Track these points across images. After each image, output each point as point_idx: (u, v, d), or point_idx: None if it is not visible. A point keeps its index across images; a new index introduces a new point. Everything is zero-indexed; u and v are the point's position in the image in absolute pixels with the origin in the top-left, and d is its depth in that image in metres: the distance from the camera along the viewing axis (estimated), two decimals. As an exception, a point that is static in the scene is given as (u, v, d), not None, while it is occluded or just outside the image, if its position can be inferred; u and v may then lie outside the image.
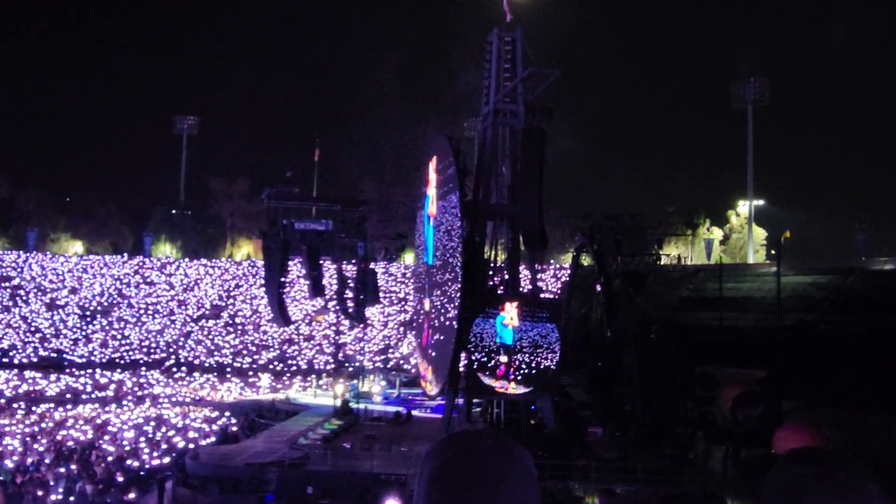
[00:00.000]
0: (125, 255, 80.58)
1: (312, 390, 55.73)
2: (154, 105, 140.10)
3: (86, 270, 76.30)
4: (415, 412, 43.57)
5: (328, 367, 63.00)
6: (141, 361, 64.46)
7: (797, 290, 48.39)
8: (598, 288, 39.94)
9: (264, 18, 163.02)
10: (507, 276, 38.69)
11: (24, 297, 71.50)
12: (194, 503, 28.83)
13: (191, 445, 37.01)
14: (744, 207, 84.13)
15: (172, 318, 71.16)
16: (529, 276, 40.21)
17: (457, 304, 33.10)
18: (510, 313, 33.62)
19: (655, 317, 38.98)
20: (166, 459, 34.28)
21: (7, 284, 72.68)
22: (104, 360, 64.01)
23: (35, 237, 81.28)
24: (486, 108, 38.63)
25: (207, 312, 72.68)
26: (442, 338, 35.44)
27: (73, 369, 61.50)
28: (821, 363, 37.43)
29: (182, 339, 68.29)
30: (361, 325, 60.47)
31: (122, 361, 64.25)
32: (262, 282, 56.15)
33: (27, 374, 59.47)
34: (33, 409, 49.57)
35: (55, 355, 64.30)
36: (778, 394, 33.23)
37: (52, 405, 51.41)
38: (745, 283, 54.24)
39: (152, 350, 66.38)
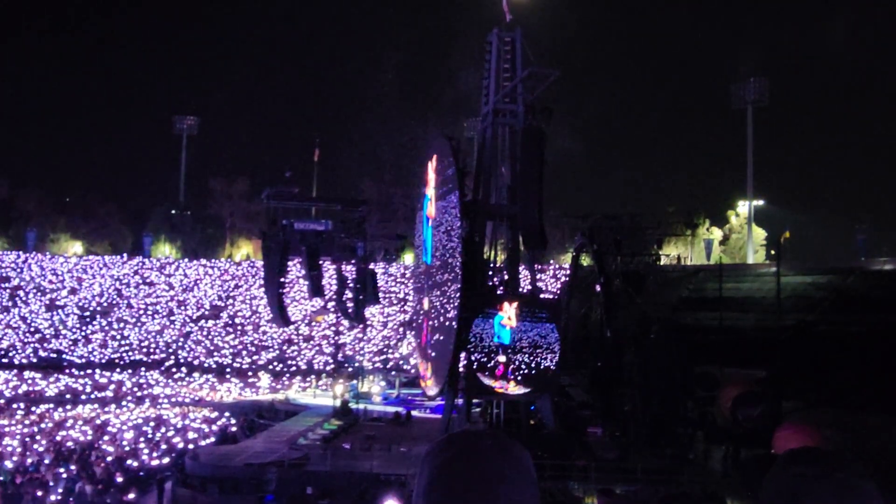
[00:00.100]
0: (125, 255, 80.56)
1: (312, 391, 55.74)
2: (154, 105, 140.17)
3: (85, 271, 76.29)
4: (414, 412, 43.58)
5: (328, 368, 62.98)
6: (140, 362, 64.44)
7: (797, 291, 48.39)
8: (598, 288, 39.93)
9: (264, 18, 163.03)
10: (506, 277, 38.67)
11: (24, 298, 71.49)
12: (194, 503, 28.82)
13: (190, 446, 37.01)
14: (743, 207, 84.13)
15: (172, 318, 71.16)
16: (529, 277, 40.20)
17: (456, 304, 33.08)
18: (508, 313, 33.62)
19: (655, 317, 38.96)
20: (166, 460, 34.28)
21: (6, 285, 72.68)
22: (104, 361, 64.00)
23: (34, 237, 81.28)
24: (486, 109, 38.63)
25: (207, 313, 72.68)
26: (441, 338, 35.44)
27: (73, 370, 61.47)
28: (821, 363, 37.44)
29: (181, 339, 68.28)
30: (361, 326, 60.50)
31: (122, 362, 64.23)
32: (262, 282, 56.13)
33: (27, 374, 59.45)
34: (33, 409, 49.58)
35: (55, 356, 64.28)
36: (778, 394, 33.24)
37: (51, 406, 51.42)
38: (745, 284, 54.24)
39: (152, 350, 66.37)
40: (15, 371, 60.24)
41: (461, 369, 34.72)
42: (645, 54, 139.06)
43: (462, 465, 1.71)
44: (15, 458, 33.86)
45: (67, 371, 60.93)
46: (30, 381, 57.82)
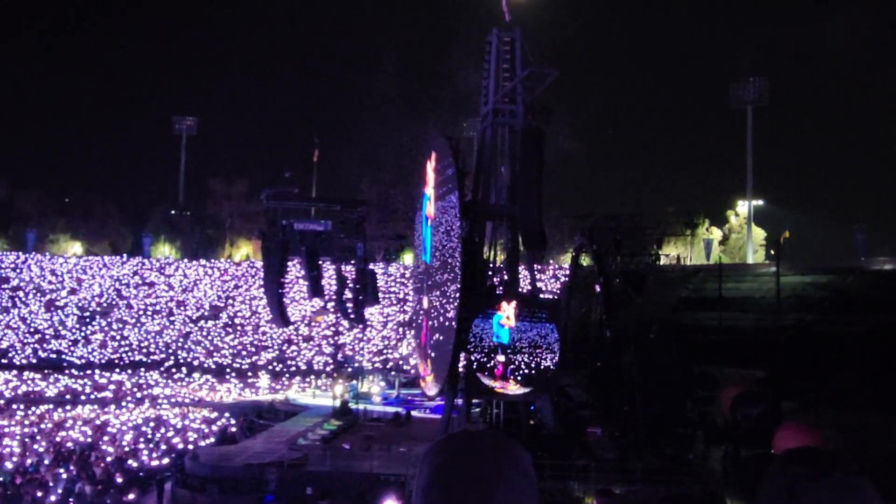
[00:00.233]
0: (124, 255, 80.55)
1: (311, 391, 55.74)
2: (153, 105, 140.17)
3: (85, 271, 76.27)
4: (414, 413, 43.58)
5: (327, 368, 62.98)
6: (140, 362, 64.43)
7: (796, 290, 48.39)
8: (598, 288, 39.92)
9: (263, 19, 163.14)
10: (506, 277, 38.68)
11: (23, 298, 71.47)
12: (193, 503, 28.85)
13: (190, 446, 37.01)
14: (743, 207, 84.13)
15: (171, 318, 71.16)
16: (528, 277, 40.22)
17: (456, 304, 33.10)
18: (507, 312, 33.62)
19: (655, 317, 38.98)
20: (165, 460, 34.28)
21: (6, 285, 72.65)
22: (103, 361, 63.99)
23: (34, 238, 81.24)
24: (486, 109, 38.64)
25: (206, 313, 72.67)
26: (441, 338, 35.44)
27: (73, 370, 61.46)
28: (820, 363, 37.45)
29: (181, 339, 68.27)
30: (360, 326, 60.46)
31: (122, 362, 64.22)
32: (262, 282, 56.13)
33: (26, 375, 59.45)
34: (32, 410, 49.54)
35: (54, 356, 64.26)
36: (777, 394, 33.23)
37: (51, 406, 51.40)
38: (745, 284, 54.23)
39: (151, 351, 66.37)
40: (14, 371, 60.24)
41: (461, 369, 34.73)
42: (645, 54, 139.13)
43: (461, 465, 1.71)
44: (15, 459, 33.83)
45: (67, 372, 60.92)
46: (29, 382, 57.82)
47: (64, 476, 30.08)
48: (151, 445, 37.68)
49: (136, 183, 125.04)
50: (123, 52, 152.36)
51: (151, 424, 43.92)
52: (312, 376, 61.32)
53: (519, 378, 33.48)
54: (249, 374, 62.97)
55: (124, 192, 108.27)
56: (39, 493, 27.52)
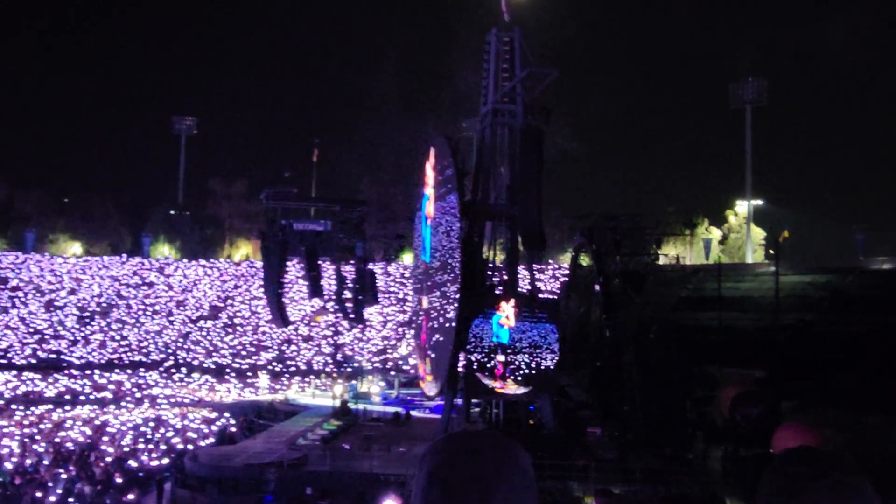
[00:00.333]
0: (124, 255, 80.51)
1: (311, 391, 55.73)
2: (153, 105, 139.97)
3: (84, 271, 76.23)
4: (414, 412, 43.60)
5: (327, 368, 62.97)
6: (140, 362, 64.41)
7: (796, 290, 48.36)
8: (597, 288, 39.94)
9: (263, 19, 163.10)
10: (505, 277, 38.69)
11: (23, 299, 71.44)
12: (193, 504, 28.84)
13: (190, 446, 37.01)
14: (742, 207, 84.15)
15: (171, 319, 71.14)
16: (528, 277, 40.22)
17: (456, 304, 33.10)
18: (506, 312, 33.62)
19: (654, 317, 38.97)
20: (165, 460, 34.28)
21: (5, 286, 72.61)
22: (103, 362, 63.95)
23: (33, 238, 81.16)
24: (485, 108, 38.64)
25: (206, 313, 72.64)
26: (441, 339, 35.43)
27: (72, 370, 61.43)
28: (819, 363, 37.45)
29: (181, 340, 68.26)
30: (360, 326, 60.48)
31: (121, 362, 64.20)
32: (261, 282, 56.12)
33: (25, 375, 59.42)
34: (32, 410, 49.53)
35: (54, 356, 64.22)
36: (777, 394, 33.27)
37: (50, 406, 51.40)
38: (744, 283, 54.18)
39: (151, 351, 66.35)
40: (14, 372, 60.19)
41: (460, 369, 34.74)
42: (644, 54, 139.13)
43: (460, 465, 1.71)
44: (14, 459, 33.84)
45: (66, 372, 60.89)
46: (29, 382, 57.80)
47: (63, 476, 30.08)
48: (151, 446, 37.68)
49: (136, 183, 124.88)
50: (123, 52, 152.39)
51: (151, 424, 43.91)
52: (312, 376, 61.31)
53: (518, 378, 33.48)
54: (249, 374, 62.94)
55: (124, 192, 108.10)
56: (39, 494, 27.52)
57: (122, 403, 52.99)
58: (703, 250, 79.72)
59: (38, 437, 39.57)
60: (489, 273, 38.40)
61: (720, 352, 38.52)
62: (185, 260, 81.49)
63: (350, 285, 44.12)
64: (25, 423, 44.67)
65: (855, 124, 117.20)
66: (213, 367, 64.55)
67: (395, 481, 27.10)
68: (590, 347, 41.55)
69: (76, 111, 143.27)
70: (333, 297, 47.86)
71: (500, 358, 33.32)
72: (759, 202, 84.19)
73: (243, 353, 66.76)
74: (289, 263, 47.06)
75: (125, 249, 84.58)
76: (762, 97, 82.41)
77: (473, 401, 36.74)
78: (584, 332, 44.09)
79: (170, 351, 66.38)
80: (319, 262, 44.00)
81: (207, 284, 76.64)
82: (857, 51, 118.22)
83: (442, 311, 35.43)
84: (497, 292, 37.27)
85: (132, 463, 33.59)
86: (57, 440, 38.85)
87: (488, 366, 33.25)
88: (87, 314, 70.43)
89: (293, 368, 64.73)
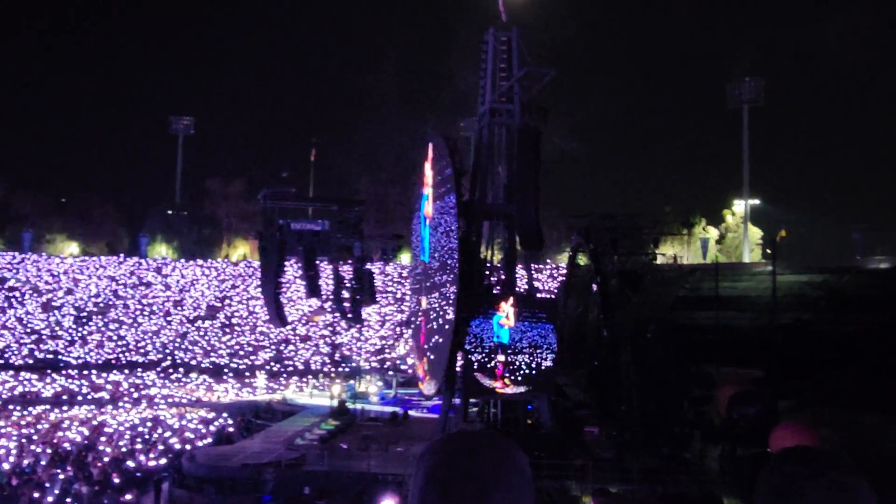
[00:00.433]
0: (121, 256, 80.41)
1: (309, 391, 55.70)
2: (150, 105, 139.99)
3: (81, 272, 76.13)
4: (411, 412, 43.57)
5: (325, 368, 62.94)
6: (137, 363, 64.33)
7: (793, 290, 48.41)
8: (595, 287, 39.97)
9: (261, 18, 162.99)
10: (503, 276, 38.71)
11: (20, 299, 71.32)
12: (191, 504, 28.81)
13: (187, 446, 36.97)
14: (739, 207, 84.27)
15: (168, 319, 71.07)
16: (525, 276, 40.25)
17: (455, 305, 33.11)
18: (506, 312, 33.63)
19: (652, 316, 39.03)
20: (163, 461, 34.24)
21: (2, 286, 72.49)
22: (100, 362, 63.88)
23: (30, 238, 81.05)
24: (483, 108, 38.64)
25: (203, 313, 72.58)
26: (441, 340, 35.39)
27: (69, 371, 61.35)
28: (817, 362, 37.48)
29: (178, 340, 68.19)
30: (358, 326, 60.45)
31: (119, 363, 64.13)
32: (259, 282, 56.07)
33: (23, 375, 59.32)
34: (29, 410, 49.46)
35: (51, 356, 64.13)
36: (774, 393, 33.30)
37: (47, 407, 51.31)
38: (741, 283, 54.25)
39: (148, 351, 66.27)
40: (11, 372, 60.09)
41: (458, 369, 34.74)
42: (641, 54, 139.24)
43: (457, 465, 1.71)
44: (11, 460, 33.79)
45: (64, 372, 60.81)
46: (26, 383, 57.71)
47: (61, 477, 30.04)
48: (149, 446, 37.64)
49: (133, 183, 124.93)
50: (120, 52, 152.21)
51: (149, 425, 43.87)
52: (310, 376, 61.28)
53: (516, 378, 33.50)
54: (247, 374, 62.91)
55: (121, 193, 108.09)
56: (36, 494, 27.49)
57: (120, 404, 52.92)
58: (701, 250, 79.83)
59: (35, 438, 39.51)
60: (487, 273, 38.41)
61: (717, 351, 38.57)
62: (182, 260, 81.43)
63: (348, 285, 44.09)
64: (22, 423, 44.61)
65: (852, 124, 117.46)
66: (210, 367, 64.50)
67: (393, 481, 27.09)
68: (587, 347, 41.60)
69: (74, 111, 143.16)
70: (331, 297, 47.87)
71: (501, 358, 33.34)
72: (757, 202, 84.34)
73: (241, 352, 66.72)
74: (287, 263, 47.00)
75: (122, 249, 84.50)
76: (759, 97, 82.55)
77: (471, 400, 36.74)
78: (582, 332, 44.13)
79: (167, 351, 66.32)
80: (317, 262, 43.95)
81: (205, 284, 76.57)
82: (854, 50, 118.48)
83: (441, 313, 35.42)
84: (495, 292, 37.28)
85: (130, 463, 33.56)
86: (54, 440, 38.79)
87: (488, 366, 33.25)
88: (85, 314, 70.34)
89: (291, 368, 64.72)
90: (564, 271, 54.56)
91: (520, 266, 41.82)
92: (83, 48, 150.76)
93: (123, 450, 36.81)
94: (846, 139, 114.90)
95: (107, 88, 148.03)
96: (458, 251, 33.34)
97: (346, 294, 44.38)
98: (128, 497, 27.82)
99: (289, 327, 62.81)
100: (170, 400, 54.34)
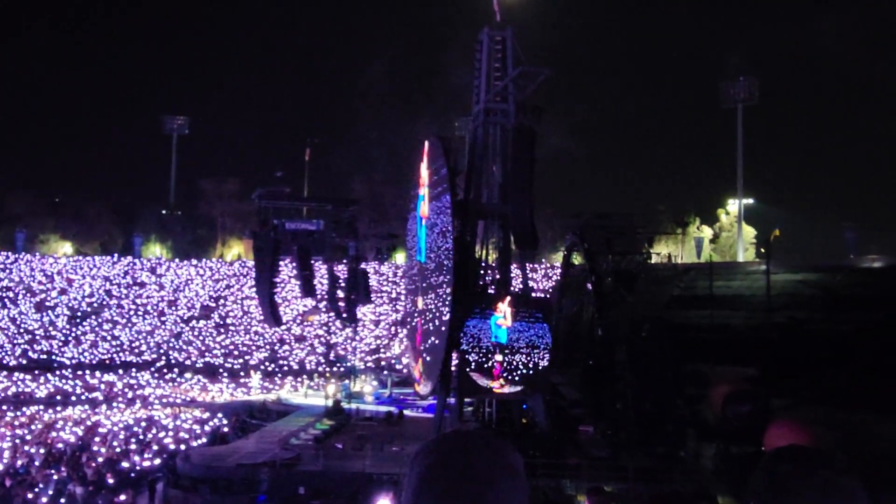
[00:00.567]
0: (115, 255, 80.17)
1: (304, 390, 55.64)
2: (144, 105, 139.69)
3: (75, 271, 75.90)
4: (406, 412, 43.58)
5: (319, 368, 62.87)
6: (131, 363, 64.15)
7: (787, 288, 48.58)
8: (589, 287, 40.02)
9: (255, 18, 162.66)
10: (497, 276, 38.72)
11: (13, 299, 71.07)
12: (185, 504, 28.76)
13: (182, 446, 36.88)
14: (733, 206, 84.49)
15: (163, 319, 70.89)
16: (520, 276, 40.25)
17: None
18: (503, 312, 33.65)
19: (646, 315, 39.01)
20: (157, 461, 34.14)
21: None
22: (94, 362, 63.68)
23: (24, 238, 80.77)
24: (477, 108, 38.63)
25: (198, 313, 72.42)
26: (437, 342, 35.33)
27: (63, 371, 61.15)
28: (811, 361, 37.60)
29: (172, 340, 68.03)
30: (353, 325, 60.41)
31: (113, 363, 63.94)
32: (253, 282, 55.99)
33: (16, 375, 59.09)
34: (23, 411, 49.27)
35: (44, 357, 63.92)
36: (768, 391, 33.36)
37: (41, 407, 51.12)
38: (735, 282, 54.40)
39: (143, 351, 66.10)
40: (5, 372, 59.87)
41: (453, 368, 34.74)
42: (636, 54, 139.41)
43: (451, 466, 1.70)
44: (5, 461, 33.66)
45: (58, 372, 60.59)
46: (19, 383, 57.50)
47: (55, 477, 29.92)
48: (143, 446, 37.53)
49: (127, 183, 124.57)
50: (114, 52, 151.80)
51: (143, 425, 43.75)
52: (305, 376, 61.22)
53: (514, 378, 33.52)
54: (241, 373, 62.80)
55: (115, 192, 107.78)
56: (30, 495, 27.38)
57: (114, 404, 52.75)
58: (695, 249, 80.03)
59: (28, 438, 39.36)
60: (482, 272, 38.41)
61: (712, 350, 38.64)
62: (176, 260, 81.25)
63: (342, 285, 44.06)
64: (16, 423, 44.43)
65: (847, 123, 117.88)
66: (205, 367, 64.36)
67: (389, 481, 27.08)
68: (582, 346, 41.63)
69: (67, 110, 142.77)
70: (326, 297, 47.79)
71: (499, 358, 33.35)
72: (751, 201, 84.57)
73: (235, 352, 66.60)
74: (281, 263, 46.93)
75: (116, 249, 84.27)
76: (753, 96, 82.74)
77: (466, 400, 36.74)
78: (577, 331, 44.17)
79: (162, 351, 66.16)
80: (312, 262, 43.91)
81: (199, 284, 76.43)
82: (848, 50, 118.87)
83: (438, 314, 35.39)
84: (490, 291, 37.29)
85: (124, 464, 33.45)
86: (48, 441, 38.65)
87: (486, 366, 33.26)
88: (79, 314, 70.12)
89: (286, 368, 64.64)
90: (559, 271, 54.65)
91: (514, 265, 41.84)
92: (77, 48, 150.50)
93: (118, 450, 36.69)
94: (840, 138, 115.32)
95: (101, 88, 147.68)
96: (454, 250, 33.33)
97: (340, 294, 44.35)
98: (122, 497, 27.74)
99: (283, 327, 62.78)
100: (164, 400, 54.19)
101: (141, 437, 40.13)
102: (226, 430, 43.14)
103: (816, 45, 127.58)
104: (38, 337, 66.38)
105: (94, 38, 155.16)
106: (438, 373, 34.29)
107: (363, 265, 44.92)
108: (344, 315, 45.87)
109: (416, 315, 41.75)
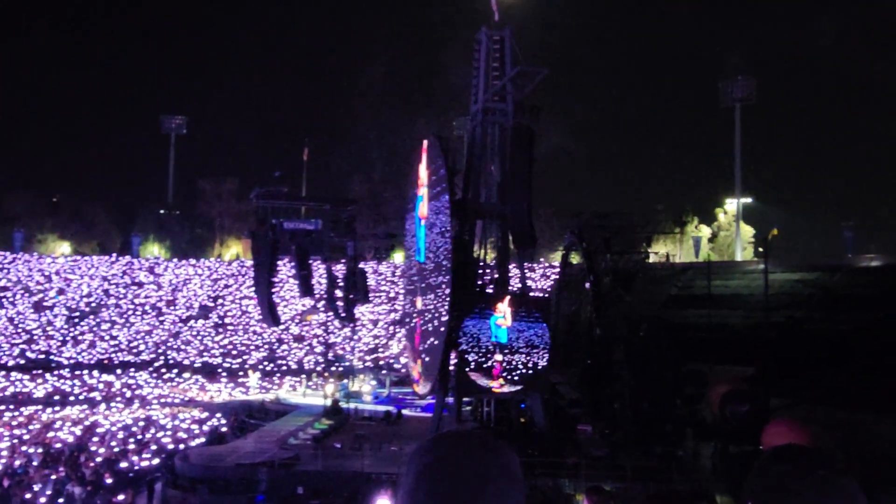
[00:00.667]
0: (113, 255, 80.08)
1: (302, 390, 55.61)
2: (142, 105, 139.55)
3: (73, 271, 75.81)
4: (405, 411, 43.56)
5: (318, 367, 62.83)
6: (129, 362, 64.09)
7: (785, 288, 48.61)
8: (588, 286, 40.01)
9: (253, 18, 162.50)
10: (496, 275, 38.72)
11: (11, 299, 70.98)
12: (184, 504, 28.73)
13: (180, 446, 36.86)
14: (731, 205, 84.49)
15: (161, 318, 70.83)
16: (518, 275, 40.26)
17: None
18: (503, 311, 33.65)
19: (644, 315, 39.03)
20: (155, 461, 34.11)
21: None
22: (92, 362, 63.61)
23: (22, 238, 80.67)
24: (475, 107, 38.63)
25: (196, 313, 72.36)
26: (436, 342, 35.32)
27: (61, 371, 61.08)
28: (809, 360, 37.61)
29: (171, 339, 67.97)
30: (351, 325, 60.37)
31: (111, 362, 63.86)
32: (252, 282, 55.94)
33: (14, 375, 59.04)
34: (21, 411, 49.22)
35: (42, 357, 63.84)
36: (766, 391, 33.38)
37: (39, 407, 51.09)
38: (734, 281, 54.44)
39: (141, 351, 66.04)
40: (3, 372, 59.80)
41: (451, 368, 34.74)
42: (633, 53, 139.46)
43: (448, 466, 1.70)
44: (3, 461, 33.62)
45: (56, 372, 60.54)
46: (17, 383, 57.43)
47: (53, 477, 29.90)
48: (141, 446, 37.50)
49: (126, 182, 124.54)
50: (112, 52, 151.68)
51: (141, 425, 43.74)
52: (303, 375, 61.16)
53: (513, 378, 33.52)
54: (240, 373, 62.75)
55: (113, 192, 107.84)
56: (28, 495, 27.34)
57: (112, 404, 52.74)
58: (693, 248, 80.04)
59: (27, 438, 39.33)
60: (480, 272, 38.42)
61: (710, 349, 38.65)
62: (174, 259, 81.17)
63: (341, 284, 44.03)
64: (14, 423, 44.39)
65: (845, 123, 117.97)
66: (203, 366, 64.30)
67: (387, 480, 27.06)
68: (580, 345, 41.64)
69: (66, 110, 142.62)
70: (324, 297, 47.76)
71: (499, 357, 33.35)
72: (749, 200, 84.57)
73: (234, 352, 66.54)
74: (279, 263, 46.93)
75: (114, 249, 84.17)
76: (751, 95, 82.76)
77: (465, 399, 36.73)
78: (575, 330, 44.20)
79: (160, 351, 66.10)
80: (310, 262, 43.89)
81: (198, 284, 76.37)
82: (846, 49, 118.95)
83: (437, 314, 35.38)
84: (488, 291, 37.29)
85: (122, 464, 33.43)
86: (46, 441, 38.61)
87: (485, 366, 33.25)
88: (77, 314, 70.04)
89: (284, 368, 64.57)
90: (557, 270, 54.66)
91: (513, 265, 41.85)
92: (76, 48, 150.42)
93: (116, 450, 36.66)
94: (839, 138, 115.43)
95: (100, 88, 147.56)
96: (452, 250, 33.34)
97: (339, 293, 44.32)
98: (120, 497, 27.70)
99: (282, 327, 62.70)
100: (162, 400, 54.17)
101: (139, 436, 40.11)
102: (224, 429, 43.12)
103: (815, 45, 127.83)
104: (36, 337, 66.30)
105: (93, 38, 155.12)
106: (437, 372, 34.29)
107: (361, 265, 44.90)
108: (342, 315, 45.85)
109: (415, 315, 41.73)
